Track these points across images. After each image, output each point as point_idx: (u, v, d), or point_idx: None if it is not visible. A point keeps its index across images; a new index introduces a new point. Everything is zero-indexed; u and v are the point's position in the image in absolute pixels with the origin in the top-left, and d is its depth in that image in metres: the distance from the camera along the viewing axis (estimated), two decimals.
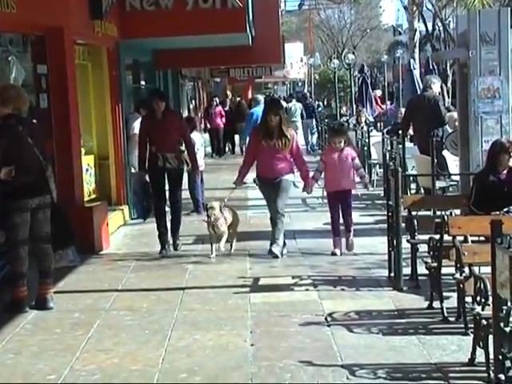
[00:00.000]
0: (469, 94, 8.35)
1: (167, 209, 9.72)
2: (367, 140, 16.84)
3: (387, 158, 13.80)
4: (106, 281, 8.18)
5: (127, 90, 13.35)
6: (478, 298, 5.12)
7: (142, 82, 15.86)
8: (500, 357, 4.52)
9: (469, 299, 5.66)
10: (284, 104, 25.80)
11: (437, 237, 6.50)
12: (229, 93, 28.18)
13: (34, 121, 8.61)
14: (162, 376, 5.34)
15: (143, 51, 14.69)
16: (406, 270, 7.58)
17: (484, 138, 8.26)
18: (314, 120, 25.64)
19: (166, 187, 9.63)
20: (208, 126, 24.55)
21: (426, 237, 6.94)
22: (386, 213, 8.26)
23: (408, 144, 12.94)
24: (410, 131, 13.06)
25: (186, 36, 12.59)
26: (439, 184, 10.61)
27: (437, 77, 13.53)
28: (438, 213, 7.90)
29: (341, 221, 9.22)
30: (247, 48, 15.66)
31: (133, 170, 11.70)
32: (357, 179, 9.32)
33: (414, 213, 7.94)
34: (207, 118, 24.53)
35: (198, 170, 10.61)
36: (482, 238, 6.20)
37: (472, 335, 5.39)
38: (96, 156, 11.76)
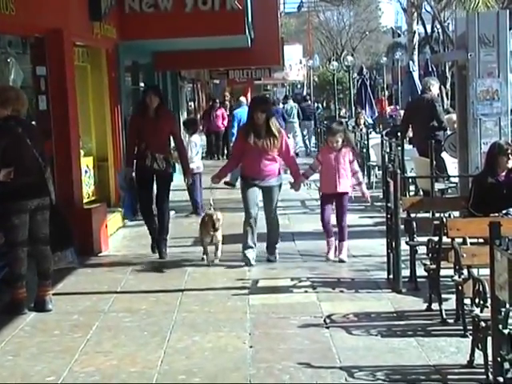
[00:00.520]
0: (468, 96, 8.36)
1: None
2: (366, 142, 16.87)
3: (386, 159, 13.82)
4: (105, 282, 8.18)
5: (126, 92, 13.37)
6: (477, 300, 5.12)
7: (141, 84, 15.86)
8: (499, 359, 4.51)
9: (467, 301, 5.67)
10: (281, 105, 25.99)
11: (436, 239, 6.50)
12: (227, 94, 28.15)
13: (33, 122, 8.63)
14: (161, 377, 5.34)
15: (142, 53, 14.71)
16: (405, 272, 7.58)
17: (483, 139, 8.27)
18: (312, 122, 25.72)
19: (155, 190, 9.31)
20: (206, 128, 24.40)
21: (425, 239, 6.93)
22: (384, 215, 8.26)
23: (407, 146, 12.96)
24: (410, 133, 13.08)
25: (185, 38, 12.60)
26: (438, 186, 10.62)
27: (435, 79, 13.56)
28: (437, 215, 7.91)
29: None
30: (246, 50, 15.67)
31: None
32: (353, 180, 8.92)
33: (412, 215, 7.95)
34: (208, 120, 24.45)
35: (190, 174, 9.90)
36: (481, 240, 6.20)
37: (471, 337, 5.39)
38: (95, 157, 11.76)
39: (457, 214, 7.59)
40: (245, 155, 8.67)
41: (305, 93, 47.35)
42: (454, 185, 10.57)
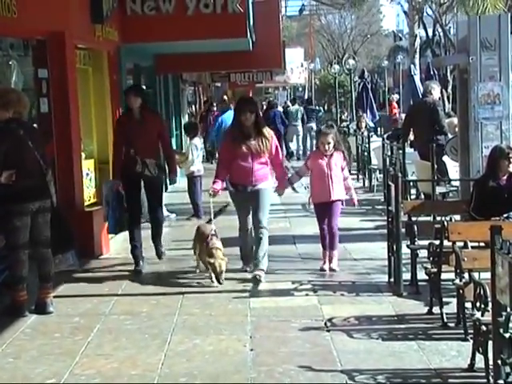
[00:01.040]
0: (469, 100, 8.36)
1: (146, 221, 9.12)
2: (367, 145, 16.88)
3: (387, 163, 13.82)
4: (106, 285, 8.18)
5: None
6: (478, 304, 5.12)
7: (143, 87, 15.84)
8: (499, 362, 4.51)
9: (468, 305, 5.66)
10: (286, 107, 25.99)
11: (437, 242, 6.50)
12: (225, 97, 28.03)
13: (35, 125, 8.63)
14: (162, 380, 5.35)
15: (144, 55, 14.71)
16: (406, 276, 7.57)
17: (484, 143, 8.27)
18: (315, 125, 25.75)
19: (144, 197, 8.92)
20: (203, 131, 24.25)
21: (426, 242, 6.93)
22: (386, 218, 8.26)
23: (408, 149, 12.96)
24: (411, 137, 13.08)
25: (187, 41, 12.59)
26: (439, 189, 10.62)
27: (437, 82, 13.55)
28: (438, 218, 7.90)
29: None
30: (248, 53, 15.67)
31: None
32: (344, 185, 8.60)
33: (414, 218, 7.96)
34: (205, 123, 24.35)
35: (175, 175, 9.36)
36: (482, 244, 6.19)
37: (471, 341, 5.39)
38: (96, 160, 11.75)
39: (458, 217, 7.60)
40: (234, 160, 8.07)
41: (306, 96, 47.34)
42: (455, 188, 10.56)
